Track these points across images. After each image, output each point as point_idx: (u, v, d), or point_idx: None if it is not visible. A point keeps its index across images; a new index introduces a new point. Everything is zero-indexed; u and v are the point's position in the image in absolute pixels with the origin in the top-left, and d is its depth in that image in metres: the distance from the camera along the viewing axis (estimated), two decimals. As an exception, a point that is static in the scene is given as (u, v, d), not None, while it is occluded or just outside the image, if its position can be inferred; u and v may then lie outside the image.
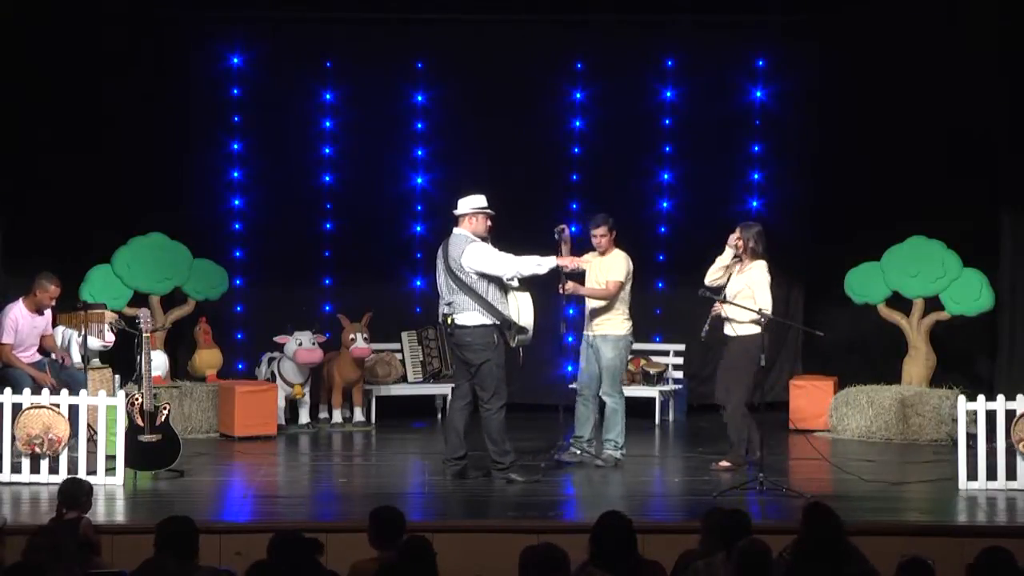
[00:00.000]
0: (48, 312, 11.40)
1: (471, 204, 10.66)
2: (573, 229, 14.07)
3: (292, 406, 13.33)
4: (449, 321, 10.55)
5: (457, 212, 10.67)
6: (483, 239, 10.59)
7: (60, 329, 11.85)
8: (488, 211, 10.66)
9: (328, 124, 14.15)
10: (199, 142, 13.83)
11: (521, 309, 10.55)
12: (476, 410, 10.72)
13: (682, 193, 14.24)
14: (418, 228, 14.30)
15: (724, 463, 10.99)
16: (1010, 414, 10.31)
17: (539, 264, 10.58)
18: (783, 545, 6.89)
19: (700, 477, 11.00)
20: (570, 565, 6.23)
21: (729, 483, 10.39)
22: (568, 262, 10.94)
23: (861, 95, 13.56)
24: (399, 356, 13.88)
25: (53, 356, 11.50)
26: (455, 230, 10.65)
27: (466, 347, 10.54)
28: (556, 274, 11.00)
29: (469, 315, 10.48)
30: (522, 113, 13.97)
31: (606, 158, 14.12)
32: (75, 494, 8.08)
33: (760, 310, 10.62)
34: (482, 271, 10.44)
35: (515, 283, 10.64)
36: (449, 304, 10.56)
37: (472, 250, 10.48)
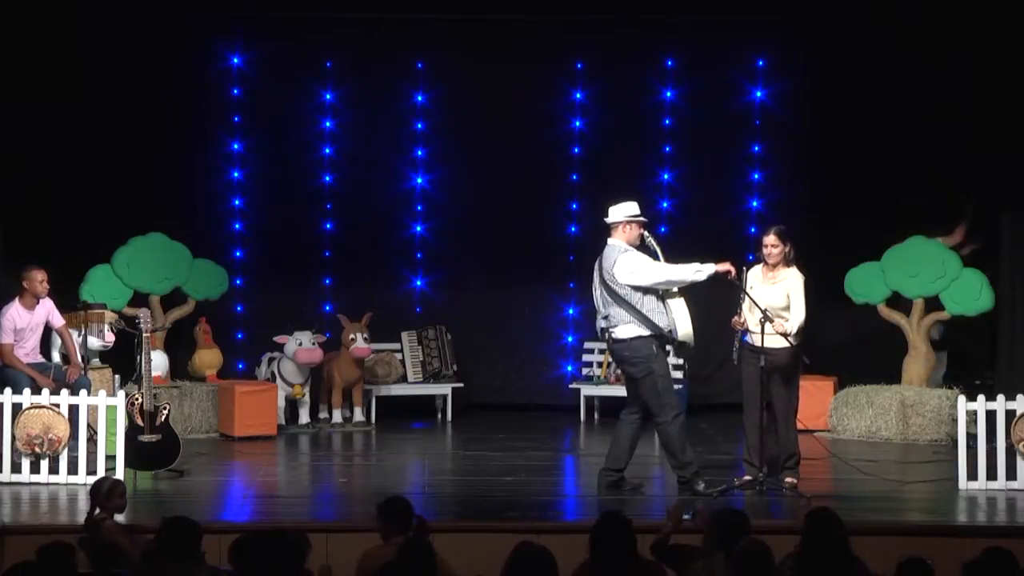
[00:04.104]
0: (48, 303, 11.35)
1: (624, 212, 10.18)
2: (572, 229, 14.17)
3: (292, 406, 13.32)
4: (608, 336, 10.17)
5: (609, 221, 10.24)
6: (636, 247, 10.16)
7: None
8: (641, 219, 10.24)
9: (328, 124, 14.15)
10: (199, 142, 13.83)
11: (677, 319, 10.05)
12: (645, 424, 10.35)
13: (682, 193, 14.24)
14: (418, 228, 14.30)
15: (792, 479, 10.33)
16: (1010, 414, 10.31)
17: (698, 271, 10.05)
18: (782, 545, 6.89)
19: (700, 477, 10.98)
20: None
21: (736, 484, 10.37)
22: (730, 268, 10.20)
23: (860, 95, 13.56)
24: (399, 356, 13.88)
25: (59, 361, 11.50)
26: (609, 240, 10.20)
27: (625, 361, 10.17)
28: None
29: (626, 328, 10.03)
30: (522, 113, 13.96)
31: (606, 158, 14.12)
32: (95, 492, 8.09)
33: (765, 314, 10.07)
34: (634, 283, 10.01)
35: (673, 289, 10.16)
36: (606, 318, 10.12)
37: (624, 261, 10.05)
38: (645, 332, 10.02)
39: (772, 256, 10.34)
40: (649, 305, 10.03)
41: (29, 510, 9.82)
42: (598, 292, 10.19)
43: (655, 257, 10.30)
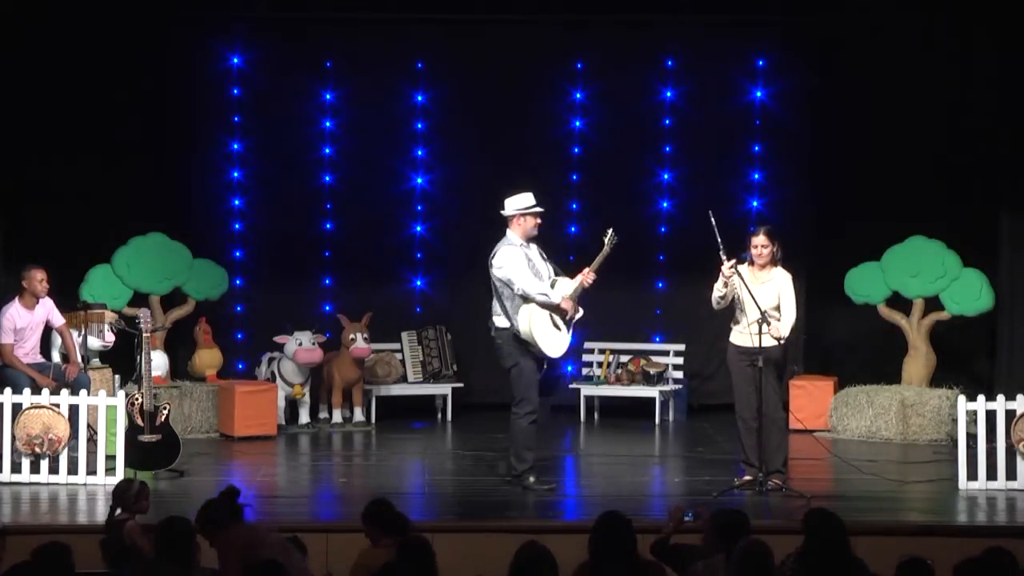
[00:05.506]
0: (48, 303, 11.34)
1: (515, 205, 10.38)
2: (572, 229, 14.17)
3: (292, 406, 13.33)
4: (490, 323, 10.46)
5: (505, 214, 10.45)
6: (533, 239, 10.36)
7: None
8: (535, 209, 10.39)
9: (328, 124, 14.14)
10: (199, 142, 13.83)
11: (520, 320, 10.19)
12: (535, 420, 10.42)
13: (682, 193, 14.23)
14: (418, 228, 14.29)
15: (777, 481, 10.25)
16: (1010, 414, 10.31)
17: (543, 294, 10.22)
18: (782, 545, 6.89)
19: (700, 477, 10.99)
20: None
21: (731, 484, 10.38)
22: (570, 308, 10.33)
23: (861, 95, 13.55)
24: (399, 356, 13.88)
25: (58, 361, 11.49)
26: (507, 231, 10.44)
27: (496, 349, 10.43)
28: None
29: (498, 318, 10.36)
30: (522, 113, 13.97)
31: (606, 158, 14.12)
32: (121, 494, 8.11)
33: (764, 315, 10.07)
34: (499, 276, 10.27)
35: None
36: (491, 306, 10.44)
37: (500, 254, 10.31)
38: (507, 325, 10.28)
39: (762, 256, 10.32)
40: (515, 303, 10.25)
41: (29, 510, 9.82)
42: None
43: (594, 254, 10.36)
